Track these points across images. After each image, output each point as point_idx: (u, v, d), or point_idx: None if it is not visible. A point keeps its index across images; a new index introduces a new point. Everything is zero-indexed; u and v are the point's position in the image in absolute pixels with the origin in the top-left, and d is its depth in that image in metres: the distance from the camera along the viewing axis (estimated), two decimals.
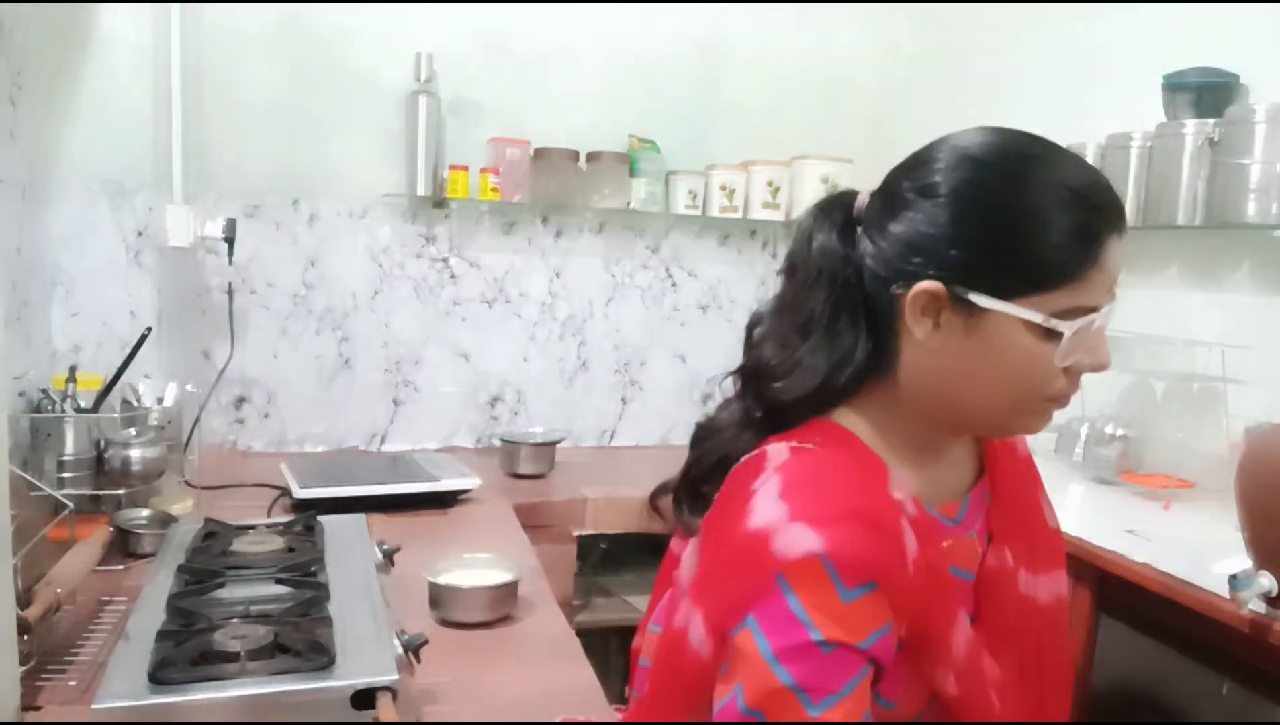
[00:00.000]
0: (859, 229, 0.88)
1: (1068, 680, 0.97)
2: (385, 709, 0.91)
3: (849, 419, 0.89)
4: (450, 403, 2.48)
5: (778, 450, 0.85)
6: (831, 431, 0.88)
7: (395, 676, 0.93)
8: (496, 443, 2.36)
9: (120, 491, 1.67)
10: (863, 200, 0.89)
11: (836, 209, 0.91)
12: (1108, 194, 0.81)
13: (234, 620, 1.03)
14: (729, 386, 0.95)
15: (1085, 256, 0.79)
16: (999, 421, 0.87)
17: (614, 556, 2.27)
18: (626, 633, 1.06)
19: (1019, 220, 0.80)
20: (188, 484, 1.93)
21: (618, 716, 1.14)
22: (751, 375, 0.93)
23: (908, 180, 0.85)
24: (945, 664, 0.83)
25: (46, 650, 1.15)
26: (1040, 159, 0.82)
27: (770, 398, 0.90)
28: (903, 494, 0.83)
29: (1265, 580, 1.22)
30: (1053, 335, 0.80)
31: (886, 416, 0.88)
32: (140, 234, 2.12)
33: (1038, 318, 0.80)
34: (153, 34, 2.07)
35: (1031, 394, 0.84)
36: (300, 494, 1.80)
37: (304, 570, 1.18)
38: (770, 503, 0.79)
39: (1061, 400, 0.85)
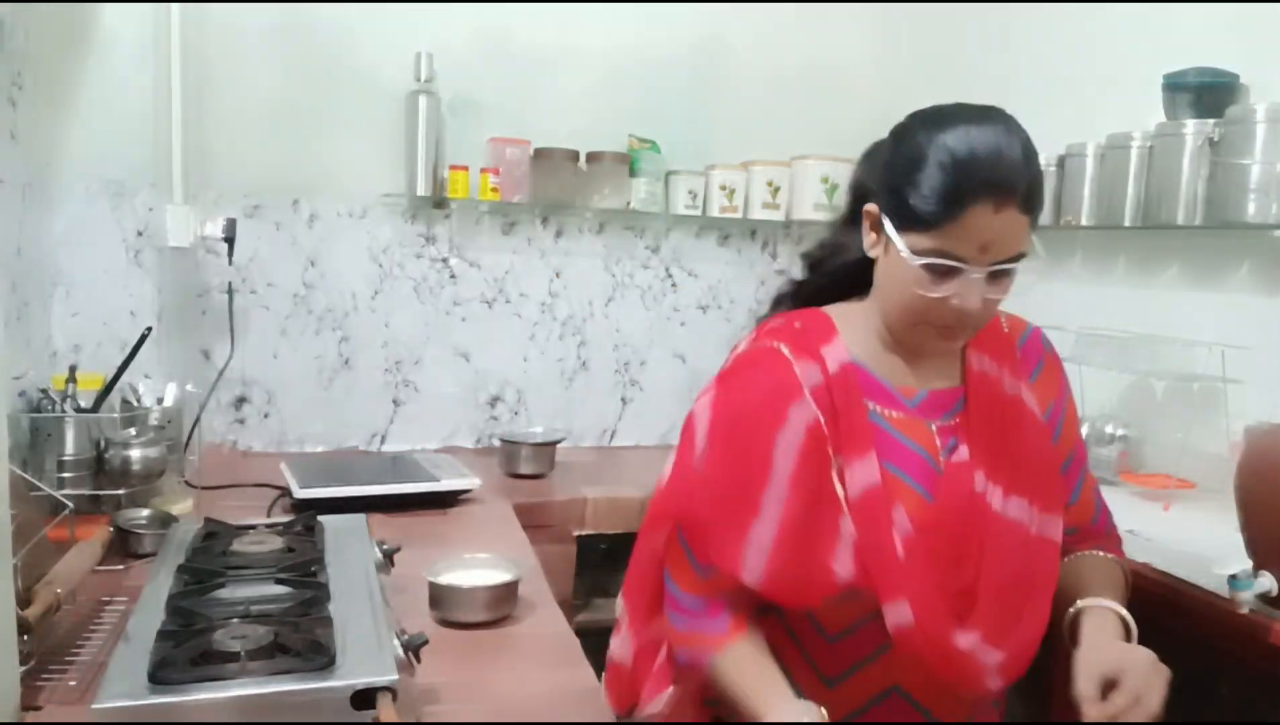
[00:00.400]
0: None
1: (1034, 617, 1.08)
2: (385, 709, 0.91)
3: (837, 308, 1.17)
4: (450, 403, 2.48)
5: (720, 380, 1.14)
6: (811, 313, 1.16)
7: (395, 676, 0.93)
8: (496, 443, 2.36)
9: (120, 491, 1.67)
10: None
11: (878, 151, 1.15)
12: (987, 170, 0.98)
13: (234, 620, 1.03)
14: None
15: (946, 212, 0.99)
16: (911, 335, 1.09)
17: (614, 556, 2.26)
18: None
19: (909, 168, 1.01)
20: (188, 484, 1.93)
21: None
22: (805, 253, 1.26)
23: (892, 130, 1.10)
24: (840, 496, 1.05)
25: (46, 650, 1.15)
26: (950, 125, 1.01)
27: (806, 263, 1.25)
28: (838, 351, 1.10)
29: (1265, 580, 1.22)
30: (930, 270, 1.01)
31: (864, 312, 1.14)
32: (140, 234, 2.12)
33: (901, 246, 1.02)
34: (153, 34, 2.07)
35: (917, 315, 1.05)
36: (300, 494, 1.80)
37: (304, 570, 1.18)
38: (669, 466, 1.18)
39: (945, 331, 1.05)
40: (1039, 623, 1.08)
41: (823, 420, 1.06)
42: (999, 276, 1.02)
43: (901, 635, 1.02)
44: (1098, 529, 1.25)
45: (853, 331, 1.12)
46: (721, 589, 1.07)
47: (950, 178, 0.98)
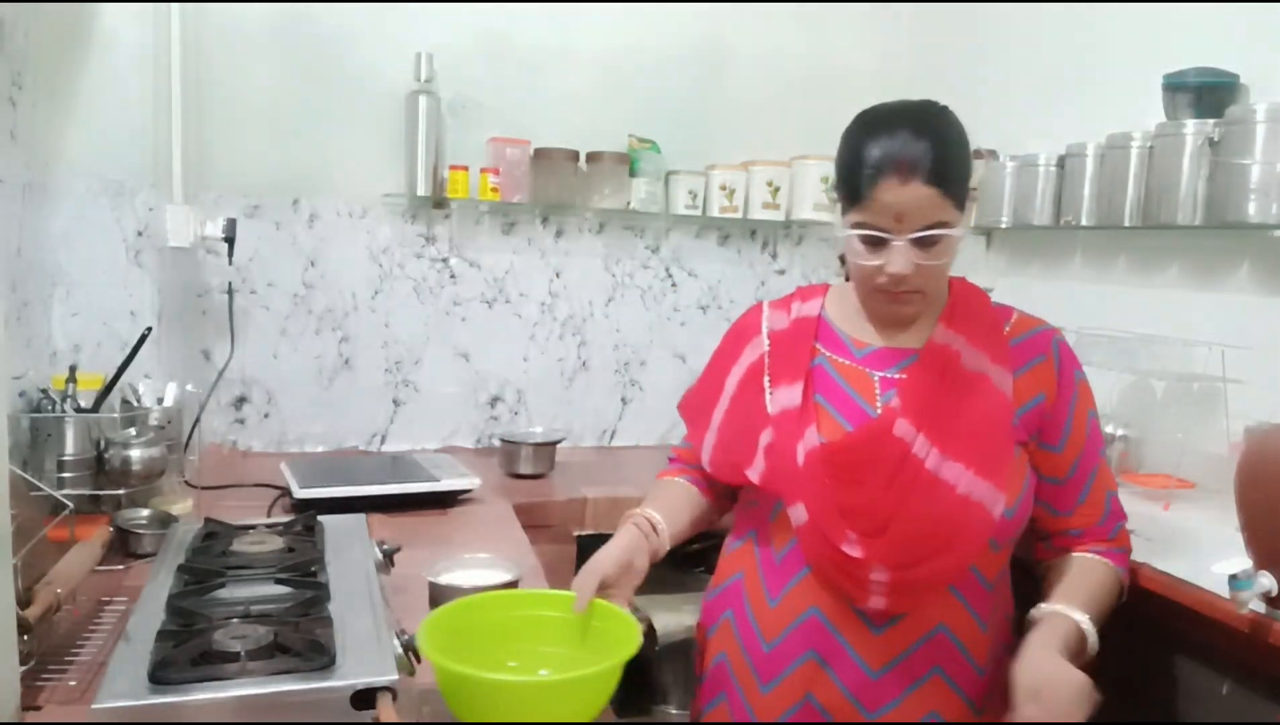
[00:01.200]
0: None
1: (939, 565, 1.16)
2: (385, 709, 0.91)
3: (841, 284, 1.37)
4: (450, 403, 2.48)
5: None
6: (820, 286, 1.39)
7: (395, 676, 0.94)
8: (496, 443, 2.36)
9: (120, 491, 1.67)
10: None
11: None
12: (891, 149, 1.14)
13: (234, 620, 1.03)
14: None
15: (863, 189, 1.15)
16: (870, 301, 1.27)
17: None
18: None
19: (843, 157, 1.21)
20: (188, 484, 1.93)
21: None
22: None
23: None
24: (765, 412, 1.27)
25: (46, 650, 1.15)
26: (873, 117, 1.21)
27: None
28: (809, 308, 1.34)
29: (1265, 580, 1.22)
30: (864, 240, 1.17)
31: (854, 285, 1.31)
32: (140, 234, 2.12)
33: (836, 222, 1.23)
34: (153, 34, 2.07)
35: (867, 282, 1.23)
36: (300, 494, 1.80)
37: (304, 570, 1.19)
38: None
39: (890, 296, 1.21)
40: (944, 571, 1.17)
41: (767, 356, 1.32)
42: (929, 244, 1.15)
43: (801, 535, 1.20)
44: (1102, 531, 1.29)
45: (839, 298, 1.34)
46: (684, 458, 1.44)
47: (864, 159, 1.15)
